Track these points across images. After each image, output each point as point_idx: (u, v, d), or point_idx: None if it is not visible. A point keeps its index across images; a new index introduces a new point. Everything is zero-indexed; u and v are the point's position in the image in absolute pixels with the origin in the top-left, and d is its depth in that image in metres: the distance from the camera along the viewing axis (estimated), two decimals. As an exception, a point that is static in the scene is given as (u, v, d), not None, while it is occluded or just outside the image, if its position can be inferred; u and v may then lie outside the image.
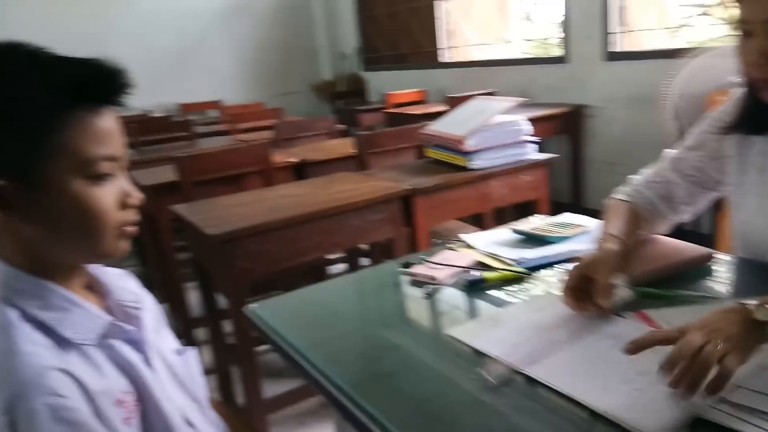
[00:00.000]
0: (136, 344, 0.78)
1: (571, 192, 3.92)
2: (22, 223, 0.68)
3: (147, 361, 0.79)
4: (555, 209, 1.77)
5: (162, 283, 2.59)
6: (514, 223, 1.45)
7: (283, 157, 2.69)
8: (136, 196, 0.74)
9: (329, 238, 1.77)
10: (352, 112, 5.20)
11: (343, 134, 3.61)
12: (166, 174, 2.40)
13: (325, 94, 6.42)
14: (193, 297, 2.21)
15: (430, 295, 1.12)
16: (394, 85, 5.40)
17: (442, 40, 5.38)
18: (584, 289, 0.95)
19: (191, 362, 0.91)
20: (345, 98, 6.20)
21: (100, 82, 0.69)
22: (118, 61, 0.71)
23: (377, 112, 4.91)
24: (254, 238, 1.65)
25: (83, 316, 0.71)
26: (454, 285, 1.16)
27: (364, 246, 2.58)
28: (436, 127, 2.32)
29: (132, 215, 0.74)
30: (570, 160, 3.88)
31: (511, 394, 0.79)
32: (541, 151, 2.25)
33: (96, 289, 0.81)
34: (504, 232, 1.39)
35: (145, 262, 3.34)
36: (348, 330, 1.03)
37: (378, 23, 6.19)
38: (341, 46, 6.59)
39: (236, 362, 1.87)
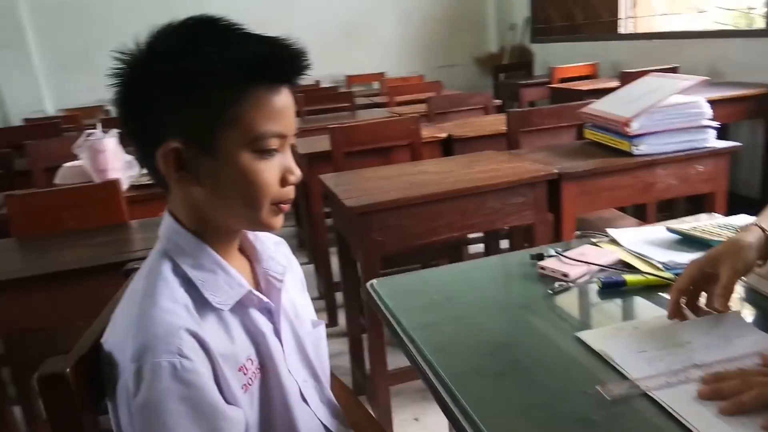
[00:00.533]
0: (270, 314, 0.82)
1: (761, 186, 3.38)
2: (192, 184, 0.73)
3: (277, 333, 0.82)
4: (738, 205, 1.53)
5: (310, 246, 2.73)
6: (672, 221, 1.27)
7: (432, 131, 2.66)
8: (296, 175, 0.77)
9: (465, 218, 1.71)
10: (513, 86, 4.99)
11: (500, 110, 3.47)
12: (322, 143, 2.50)
13: (488, 67, 6.24)
14: (336, 262, 2.29)
15: (557, 293, 1.03)
16: (563, 58, 5.06)
17: (623, 9, 4.90)
18: (701, 290, 0.82)
19: (321, 339, 0.93)
20: (509, 71, 5.96)
21: (281, 62, 0.72)
22: (299, 42, 0.74)
23: (541, 86, 4.65)
24: (390, 213, 1.65)
25: (226, 281, 0.76)
26: (588, 284, 1.05)
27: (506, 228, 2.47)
28: (598, 106, 2.12)
29: (289, 192, 0.77)
30: (763, 149, 3.34)
31: (627, 417, 0.68)
32: (723, 137, 1.95)
33: (248, 253, 0.86)
34: (658, 230, 1.22)
35: (300, 223, 3.55)
36: (461, 319, 0.97)
37: (552, -8, 5.82)
38: (510, 16, 6.32)
39: (366, 332, 1.91)
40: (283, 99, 0.73)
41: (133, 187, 2.11)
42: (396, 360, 1.90)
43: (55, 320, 1.56)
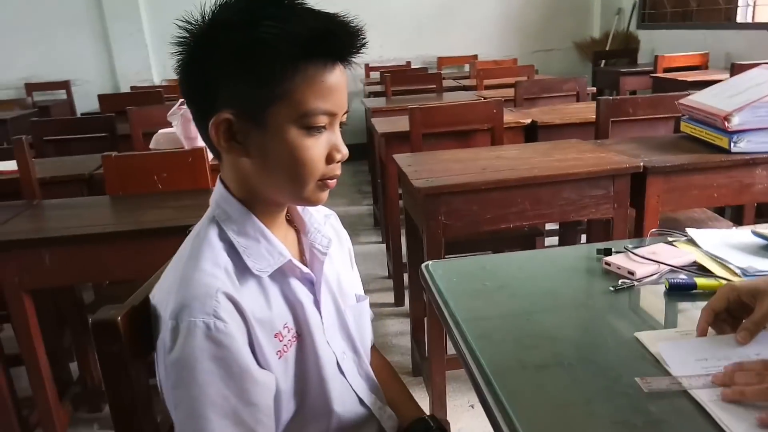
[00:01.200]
0: (311, 285, 0.83)
1: None
2: (241, 155, 0.75)
3: (316, 303, 0.83)
4: None
5: (384, 224, 2.75)
6: (762, 225, 1.16)
7: (516, 116, 2.57)
8: (343, 153, 0.77)
9: (537, 208, 1.65)
10: (613, 73, 4.72)
11: (595, 98, 3.30)
12: (402, 123, 2.49)
13: (588, 53, 5.93)
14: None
15: (618, 290, 0.97)
16: (671, 47, 4.72)
17: (745, -5, 4.48)
18: (734, 315, 0.78)
19: (363, 313, 0.94)
20: (611, 58, 5.64)
21: (336, 39, 0.71)
22: (359, 20, 0.74)
23: (644, 75, 4.36)
24: (458, 196, 1.62)
25: (267, 249, 0.78)
26: (655, 284, 0.99)
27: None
28: (698, 98, 1.96)
29: (335, 169, 0.77)
30: None
31: (668, 423, 0.64)
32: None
33: (296, 224, 0.88)
34: (743, 234, 1.12)
35: (376, 202, 3.58)
36: (512, 309, 0.94)
37: (665, -25, 5.43)
38: (617, 0, 5.96)
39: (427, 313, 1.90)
40: (336, 77, 0.73)
41: (218, 156, 2.20)
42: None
43: (139, 274, 1.66)
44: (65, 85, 5.43)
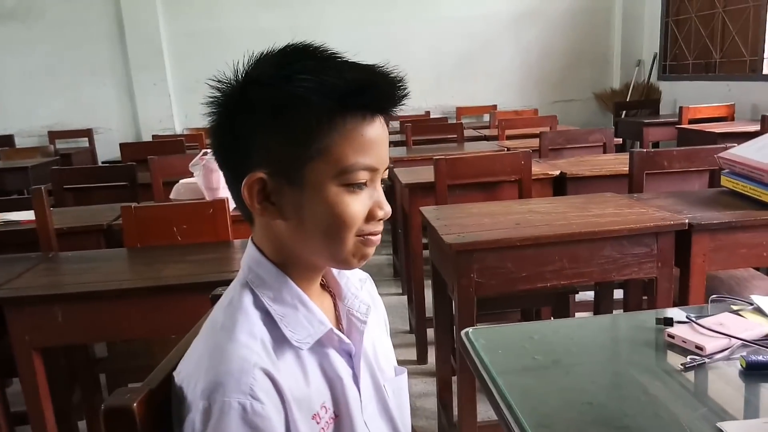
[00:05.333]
0: (349, 357, 0.76)
1: None
2: (275, 217, 0.69)
3: (355, 378, 0.75)
4: None
5: (405, 277, 2.66)
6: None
7: (544, 168, 2.51)
8: (385, 210, 0.72)
9: (576, 266, 1.56)
10: (637, 124, 4.68)
11: (620, 150, 3.24)
12: (426, 174, 2.43)
13: (609, 104, 5.91)
14: (430, 296, 2.21)
15: (689, 369, 0.87)
16: (694, 98, 4.68)
17: (769, 47, 4.45)
18: None
19: (402, 388, 0.86)
20: (632, 109, 5.61)
21: (375, 91, 0.67)
22: (399, 71, 0.69)
23: (668, 126, 4.31)
24: (492, 253, 1.54)
25: (307, 318, 0.71)
26: (728, 361, 0.88)
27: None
28: (740, 151, 1.88)
29: (377, 227, 0.72)
30: None
31: None
32: None
33: (332, 289, 0.81)
34: (819, 303, 1.02)
35: (396, 252, 3.50)
36: (572, 389, 0.85)
37: (686, 27, 5.44)
38: (638, 52, 5.98)
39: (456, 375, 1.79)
40: (376, 130, 0.68)
41: (239, 207, 2.15)
42: (486, 409, 1.76)
43: (155, 332, 1.60)
44: (88, 133, 5.50)
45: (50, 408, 1.59)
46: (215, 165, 2.12)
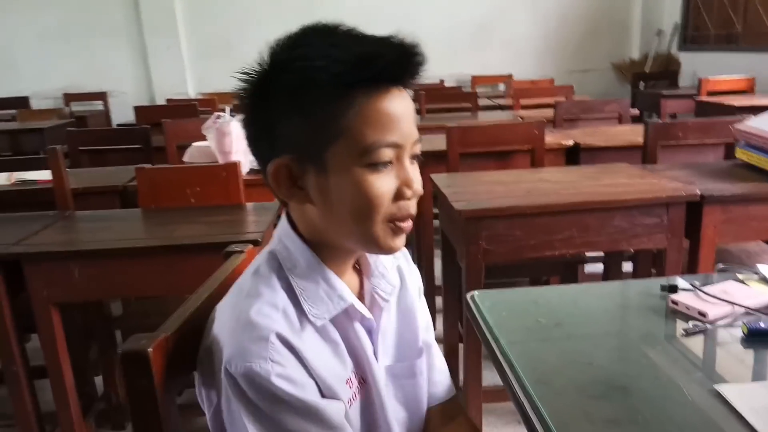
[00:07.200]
0: (371, 333, 0.76)
1: None
2: (305, 202, 0.69)
3: (375, 353, 0.76)
4: None
5: (416, 246, 2.68)
6: None
7: (557, 138, 2.49)
8: (414, 189, 0.68)
9: (585, 235, 1.56)
10: (655, 96, 4.59)
11: (636, 121, 3.19)
12: (438, 143, 2.42)
13: (627, 75, 5.80)
14: (439, 265, 2.22)
15: (690, 334, 0.88)
16: (714, 70, 4.58)
17: (794, 18, 4.33)
18: None
19: (421, 371, 0.83)
20: (651, 80, 5.51)
21: (387, 62, 0.64)
22: (414, 38, 0.67)
23: (687, 98, 4.22)
24: (502, 221, 1.55)
25: (327, 293, 0.71)
26: (730, 328, 0.89)
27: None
28: (757, 123, 1.85)
29: (408, 207, 0.69)
30: None
31: None
32: None
33: (361, 266, 0.79)
34: (826, 274, 1.02)
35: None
36: (573, 351, 0.86)
37: (709, -4, 5.30)
38: (658, 21, 5.83)
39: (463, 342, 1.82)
40: (396, 104, 0.66)
41: (252, 171, 2.16)
42: (492, 375, 1.79)
43: (168, 290, 1.63)
44: (102, 96, 5.51)
45: (68, 362, 1.64)
46: (228, 128, 2.15)
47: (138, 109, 3.80)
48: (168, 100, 4.67)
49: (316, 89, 0.64)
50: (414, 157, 0.70)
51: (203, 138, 2.29)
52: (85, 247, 1.53)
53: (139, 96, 5.61)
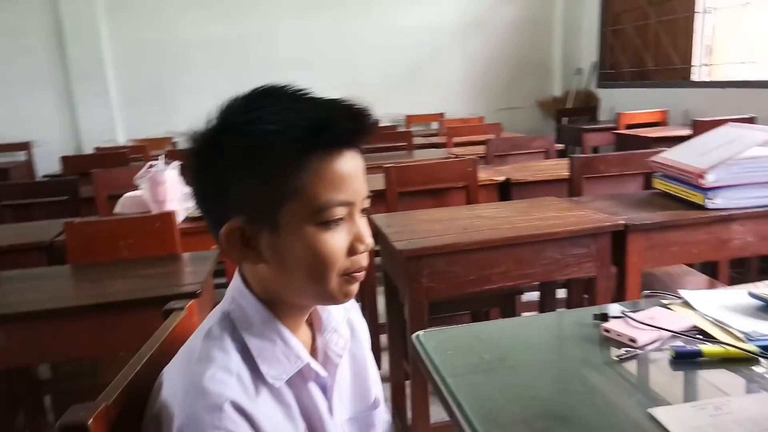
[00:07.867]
0: (325, 390, 0.76)
1: None
2: (257, 261, 0.69)
3: (330, 410, 0.76)
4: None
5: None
6: (755, 284, 1.14)
7: (490, 174, 2.58)
8: (367, 244, 0.71)
9: (521, 268, 1.62)
10: (577, 130, 4.86)
11: (561, 155, 3.36)
12: (376, 182, 2.46)
13: (551, 111, 6.13)
14: (382, 303, 2.23)
15: (623, 360, 0.92)
16: (630, 104, 4.91)
17: (697, 56, 4.72)
18: None
19: (380, 422, 0.85)
20: (573, 116, 5.84)
21: (337, 126, 0.66)
22: (363, 102, 0.69)
23: (606, 132, 4.50)
24: (441, 258, 1.58)
25: (284, 352, 0.70)
26: (659, 352, 0.95)
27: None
28: (670, 155, 2.00)
29: (360, 261, 0.71)
30: None
31: None
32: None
33: (313, 322, 0.80)
34: (738, 294, 1.10)
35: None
36: (515, 384, 0.89)
37: (622, 37, 5.70)
38: (577, 60, 6.23)
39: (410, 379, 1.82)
40: (347, 164, 0.68)
41: (188, 219, 2.13)
42: (440, 411, 1.80)
43: (103, 350, 1.56)
44: (26, 146, 5.28)
45: (-9, 434, 1.53)
46: (162, 177, 2.11)
47: (65, 159, 3.65)
48: (97, 149, 4.53)
49: (271, 152, 0.65)
50: (363, 210, 0.72)
51: (135, 187, 2.23)
52: (10, 311, 1.45)
53: (65, 145, 5.40)
